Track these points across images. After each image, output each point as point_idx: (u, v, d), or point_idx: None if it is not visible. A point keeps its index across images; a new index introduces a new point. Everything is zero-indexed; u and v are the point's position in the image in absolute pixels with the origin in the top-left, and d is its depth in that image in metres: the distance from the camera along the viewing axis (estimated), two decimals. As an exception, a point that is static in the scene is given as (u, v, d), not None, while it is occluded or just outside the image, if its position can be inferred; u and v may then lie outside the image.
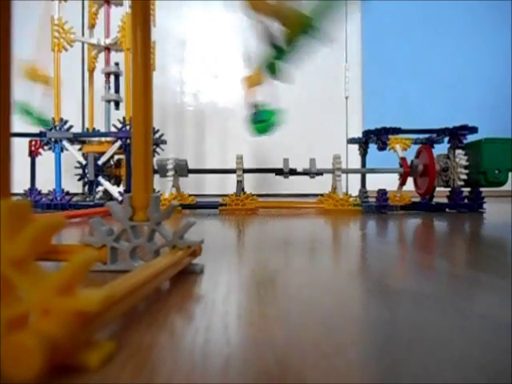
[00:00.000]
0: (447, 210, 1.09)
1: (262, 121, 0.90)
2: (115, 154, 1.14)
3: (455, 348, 0.19)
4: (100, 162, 1.11)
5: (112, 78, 1.22)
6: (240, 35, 2.06)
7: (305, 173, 1.10)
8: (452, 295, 0.29)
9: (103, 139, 1.14)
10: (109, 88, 1.22)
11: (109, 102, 1.22)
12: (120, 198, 1.07)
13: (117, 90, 1.21)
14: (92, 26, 1.23)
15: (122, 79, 1.21)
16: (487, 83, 2.15)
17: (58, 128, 1.12)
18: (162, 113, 1.99)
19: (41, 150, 1.18)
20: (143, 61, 0.34)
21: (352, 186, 1.91)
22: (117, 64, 1.21)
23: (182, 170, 1.11)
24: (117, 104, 1.21)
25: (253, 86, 0.84)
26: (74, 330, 0.16)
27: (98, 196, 1.14)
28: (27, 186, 1.13)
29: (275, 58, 0.62)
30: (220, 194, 1.39)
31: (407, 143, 1.14)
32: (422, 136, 1.19)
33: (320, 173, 1.11)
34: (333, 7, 0.63)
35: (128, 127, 1.10)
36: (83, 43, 1.29)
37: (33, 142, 1.18)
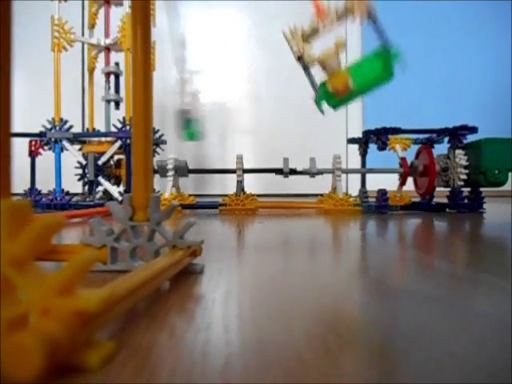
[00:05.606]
0: (447, 210, 1.09)
1: (190, 128, 0.99)
2: (115, 153, 1.14)
3: (454, 347, 0.19)
4: (100, 162, 1.11)
5: (112, 77, 1.22)
6: (240, 35, 2.07)
7: (304, 172, 1.10)
8: (451, 295, 0.29)
9: (103, 139, 1.14)
10: (109, 88, 1.22)
11: (109, 101, 1.22)
12: (120, 198, 1.07)
13: (117, 90, 1.21)
14: (92, 26, 1.23)
15: (121, 79, 1.21)
16: (487, 83, 2.15)
17: (57, 128, 1.12)
18: (162, 113, 1.98)
19: (41, 150, 1.18)
20: (143, 61, 0.34)
21: (352, 186, 1.91)
22: (117, 64, 1.21)
23: (182, 170, 1.11)
24: (117, 104, 1.21)
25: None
26: (74, 330, 0.16)
27: (98, 196, 1.14)
28: (27, 185, 1.13)
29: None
30: (220, 194, 1.39)
31: (407, 143, 1.14)
32: (422, 136, 1.19)
33: (320, 172, 1.11)
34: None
35: (128, 127, 1.10)
36: (83, 43, 1.29)
37: (33, 142, 1.18)
